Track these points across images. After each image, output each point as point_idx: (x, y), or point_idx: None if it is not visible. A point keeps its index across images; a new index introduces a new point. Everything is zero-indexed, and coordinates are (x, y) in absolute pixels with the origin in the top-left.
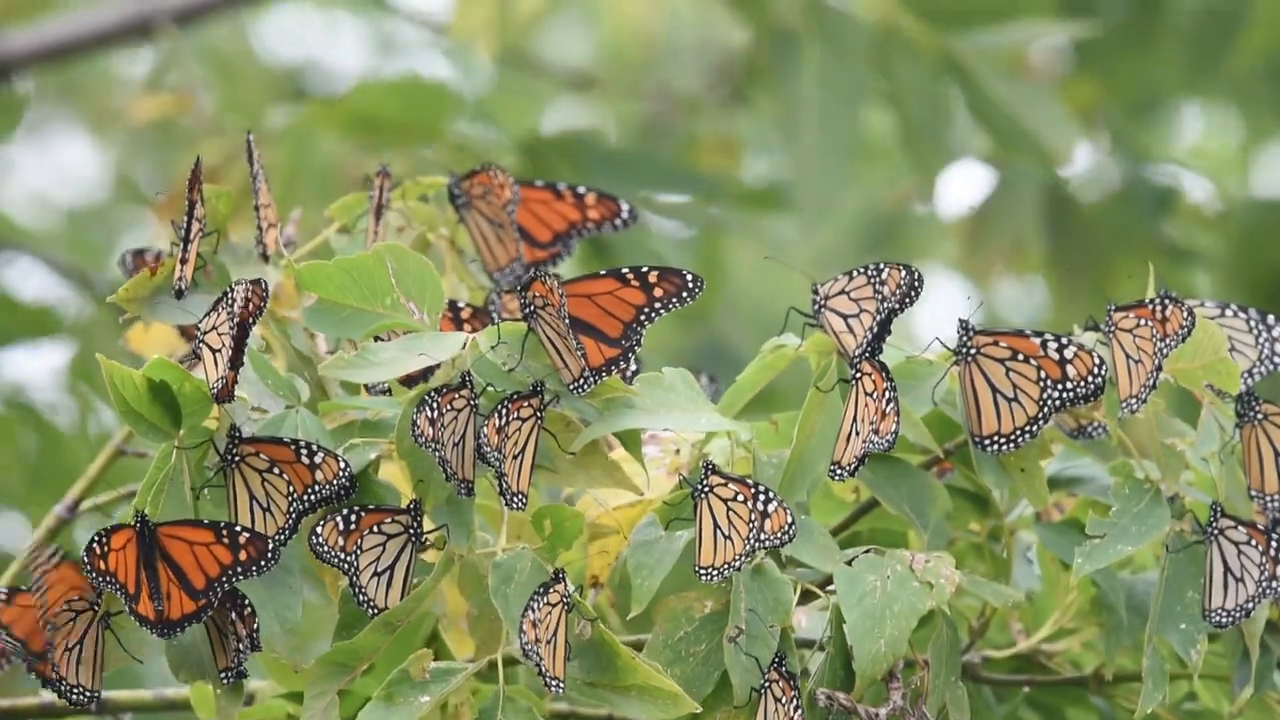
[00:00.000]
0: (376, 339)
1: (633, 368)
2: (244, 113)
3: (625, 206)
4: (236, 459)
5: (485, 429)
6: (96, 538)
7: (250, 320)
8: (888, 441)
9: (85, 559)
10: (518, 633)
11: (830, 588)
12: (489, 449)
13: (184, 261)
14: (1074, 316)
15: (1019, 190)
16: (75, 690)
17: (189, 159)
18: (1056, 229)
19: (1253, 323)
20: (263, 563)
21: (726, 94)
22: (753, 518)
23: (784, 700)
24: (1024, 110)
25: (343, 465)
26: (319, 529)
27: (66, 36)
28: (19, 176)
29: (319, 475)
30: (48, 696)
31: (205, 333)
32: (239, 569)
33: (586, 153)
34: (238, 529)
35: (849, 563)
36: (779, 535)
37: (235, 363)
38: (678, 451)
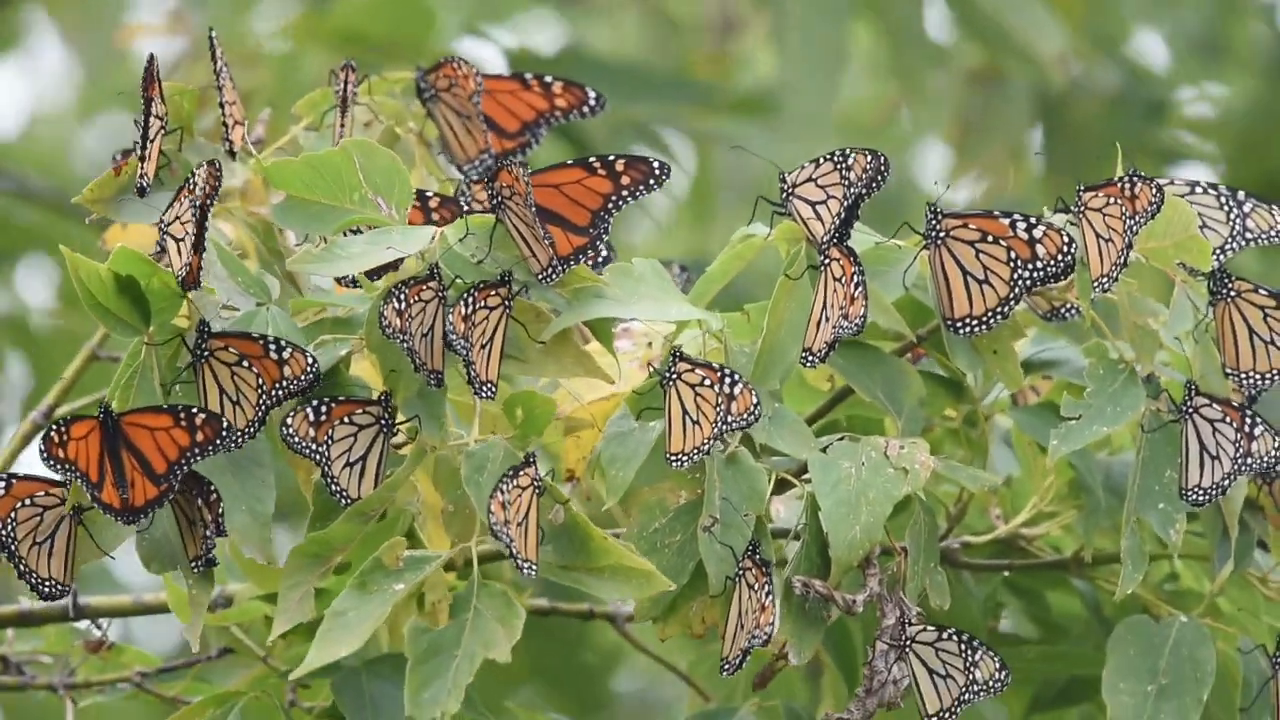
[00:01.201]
0: (345, 234)
1: (604, 254)
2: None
3: (593, 93)
4: (206, 354)
5: (451, 317)
6: (55, 426)
7: (209, 201)
8: (857, 325)
9: (43, 447)
10: (485, 516)
11: (805, 476)
12: (455, 337)
13: (144, 159)
14: None
15: (1009, 98)
16: (47, 583)
17: (179, 74)
18: (1048, 136)
19: (1223, 199)
20: (219, 441)
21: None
22: (719, 401)
23: (757, 587)
24: (1010, 16)
25: (310, 360)
26: (289, 420)
27: None
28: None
29: (287, 370)
30: (25, 604)
31: (168, 224)
32: (197, 450)
33: (578, 65)
34: (194, 410)
35: (824, 450)
36: (745, 416)
37: (198, 246)
38: (650, 344)
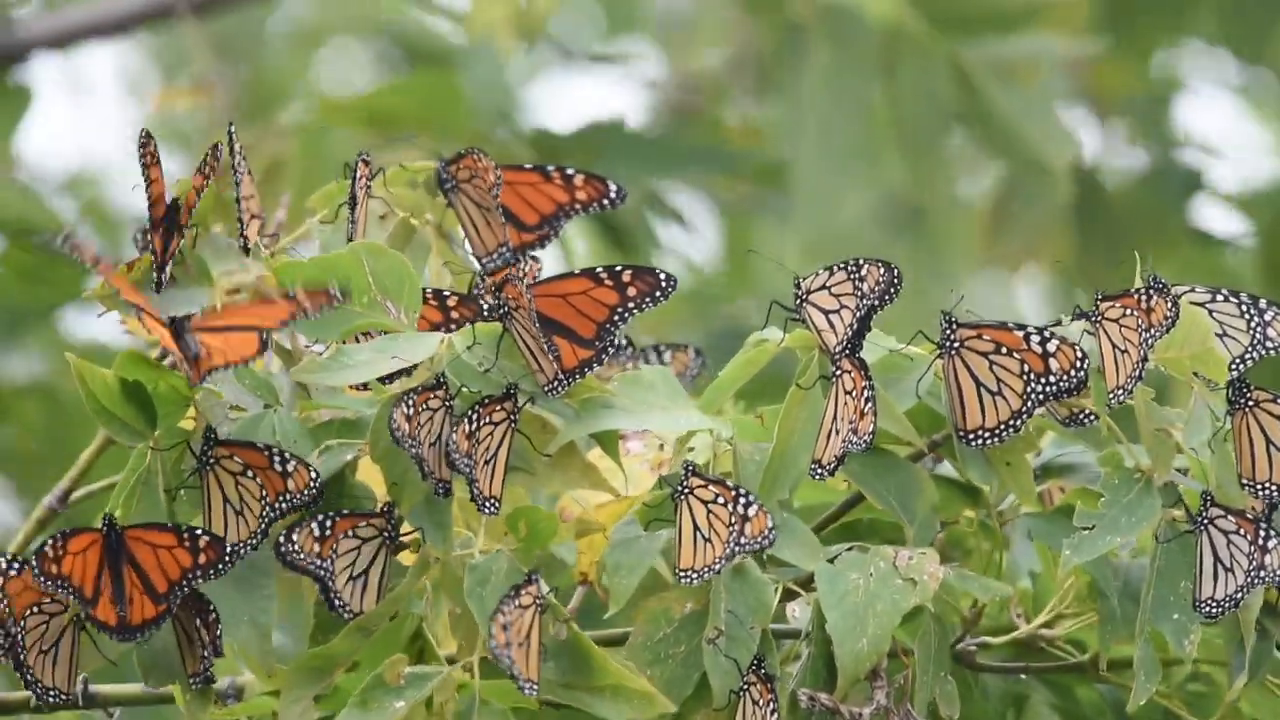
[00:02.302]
0: (356, 338)
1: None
2: (259, 106)
3: (614, 186)
4: (211, 461)
5: (455, 435)
6: (51, 541)
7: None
8: (865, 441)
9: (35, 562)
10: (487, 637)
11: (813, 585)
12: (458, 456)
13: (157, 251)
14: None
15: (1041, 179)
16: (50, 693)
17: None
18: (1081, 217)
19: (1244, 307)
20: (220, 566)
21: (750, 83)
22: (733, 521)
23: (761, 703)
24: (1025, 123)
25: (313, 476)
26: (295, 536)
27: (85, 23)
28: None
29: (290, 484)
30: None
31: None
32: (198, 571)
33: (603, 139)
34: (198, 532)
35: (831, 560)
36: (759, 539)
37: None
38: (661, 447)
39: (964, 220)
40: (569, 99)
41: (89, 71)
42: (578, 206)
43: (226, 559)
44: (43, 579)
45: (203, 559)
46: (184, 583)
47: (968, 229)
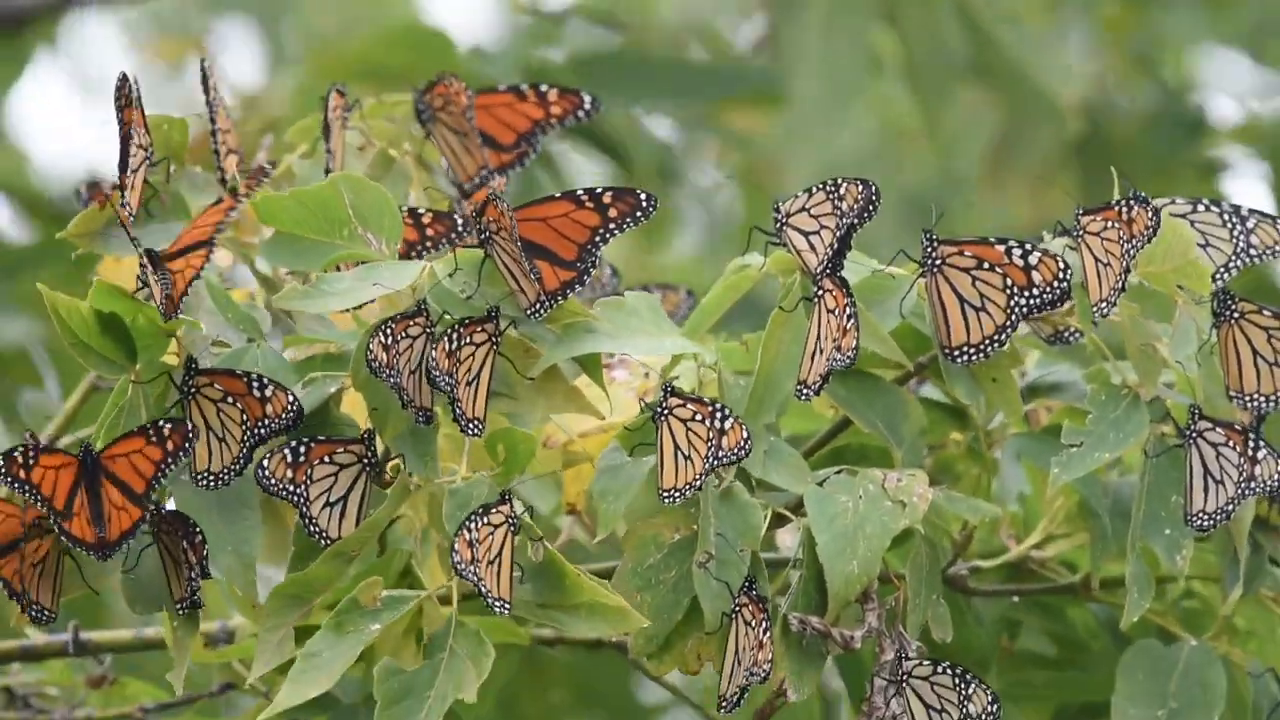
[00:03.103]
0: (336, 268)
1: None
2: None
3: (588, 97)
4: (193, 390)
5: (434, 353)
6: (21, 448)
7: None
8: (849, 358)
9: (2, 465)
10: (450, 553)
11: (802, 510)
12: (439, 374)
13: (123, 190)
14: None
15: (1047, 115)
16: (35, 607)
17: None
18: (1085, 155)
19: (1226, 216)
20: (187, 445)
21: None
22: (711, 436)
23: (754, 624)
24: (1030, 59)
25: (290, 399)
26: (266, 462)
27: None
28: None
29: (269, 409)
30: (28, 640)
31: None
32: (169, 459)
33: (591, 65)
34: (160, 422)
35: (820, 484)
36: (735, 451)
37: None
38: (647, 374)
39: (970, 158)
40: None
41: (90, 36)
42: (553, 121)
43: (191, 439)
44: (8, 480)
45: (170, 445)
46: (159, 474)
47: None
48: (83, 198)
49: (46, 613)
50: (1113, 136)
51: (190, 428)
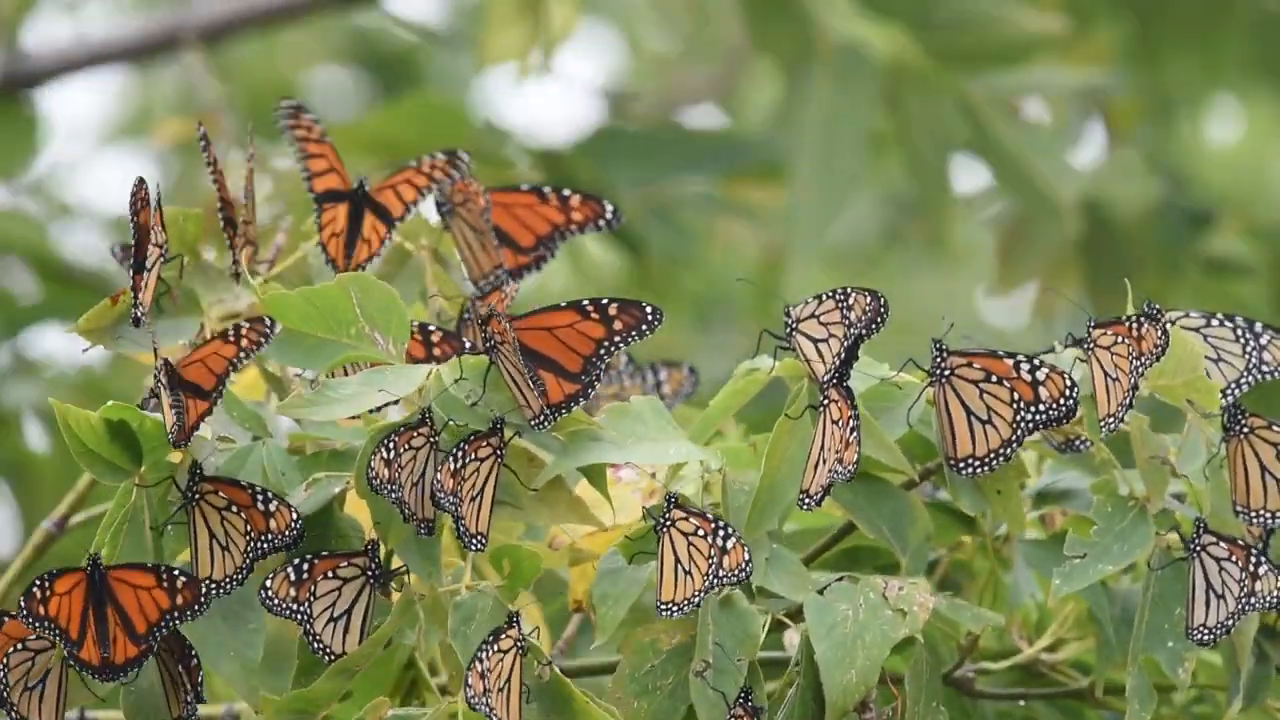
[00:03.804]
0: (343, 370)
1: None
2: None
3: (610, 207)
4: (197, 496)
5: (440, 474)
6: (38, 582)
7: (241, 357)
8: (849, 471)
9: (22, 604)
10: (463, 686)
11: (802, 616)
12: (443, 495)
13: (136, 289)
14: None
15: (1049, 214)
16: None
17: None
18: (1090, 248)
19: (1239, 331)
20: (197, 606)
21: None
22: (712, 553)
23: None
24: (1029, 156)
25: (294, 517)
26: (269, 583)
27: (91, 51)
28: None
29: (272, 524)
30: None
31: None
32: (176, 613)
33: (604, 145)
34: (175, 572)
35: (820, 591)
36: (735, 573)
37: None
38: (653, 475)
39: (975, 250)
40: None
41: (96, 102)
42: (574, 227)
43: (203, 600)
44: (30, 620)
45: (179, 600)
46: (162, 624)
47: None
48: (118, 257)
49: None
50: (1117, 228)
51: (204, 591)
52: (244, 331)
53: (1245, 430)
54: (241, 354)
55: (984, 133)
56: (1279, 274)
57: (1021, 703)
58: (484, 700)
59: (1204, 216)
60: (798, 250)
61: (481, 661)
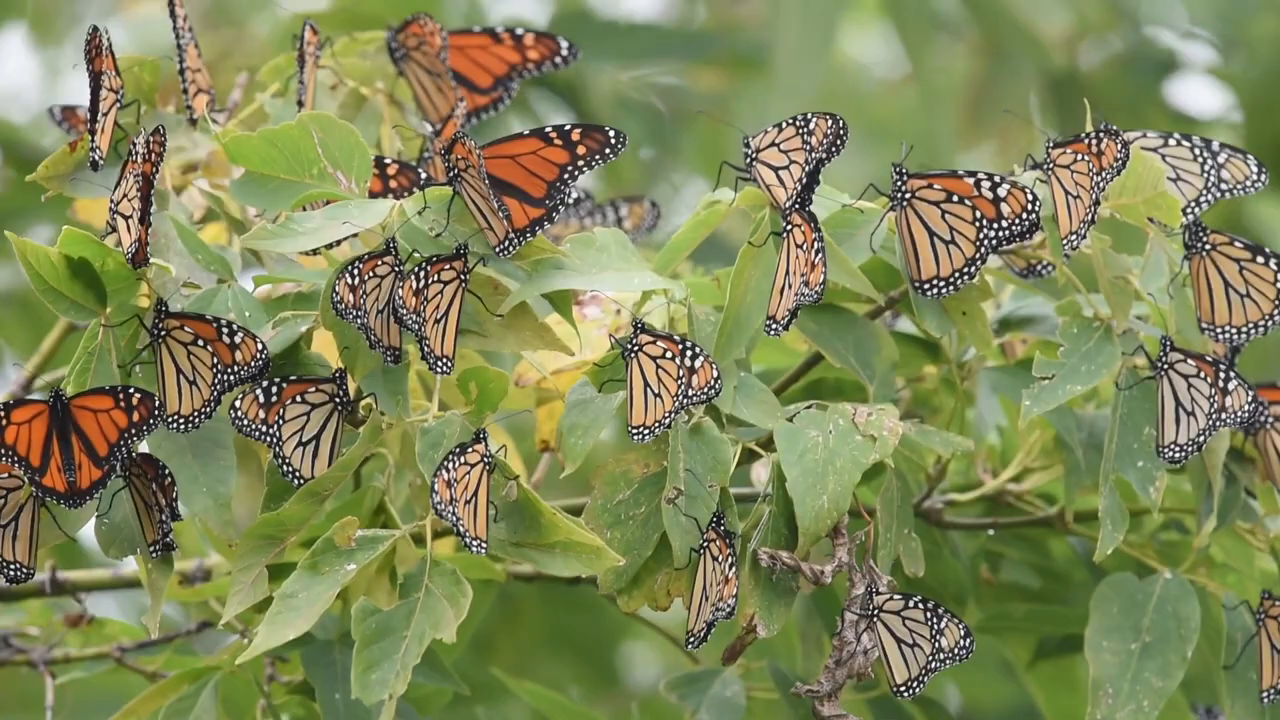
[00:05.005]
0: (305, 208)
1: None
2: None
3: (565, 43)
4: (163, 333)
5: (401, 291)
6: None
7: (153, 171)
8: (817, 293)
9: None
10: (429, 494)
11: (772, 445)
12: (405, 312)
13: (94, 133)
14: None
15: (1016, 66)
16: (12, 566)
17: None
18: (1058, 99)
19: (1197, 150)
20: (153, 420)
21: None
22: (680, 374)
23: (721, 559)
24: None
25: (260, 347)
26: (238, 403)
27: None
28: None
29: (238, 355)
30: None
31: (117, 202)
32: (133, 430)
33: (576, 29)
34: (131, 390)
35: (790, 419)
36: (705, 390)
37: (144, 220)
38: (618, 310)
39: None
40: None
41: None
42: (530, 66)
43: (157, 413)
44: None
45: (136, 416)
46: (122, 442)
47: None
48: (57, 119)
49: (24, 570)
50: (1084, 81)
51: (158, 403)
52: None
53: (1208, 247)
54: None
55: None
56: (1253, 118)
57: (990, 533)
58: (450, 509)
59: (1169, 59)
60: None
61: (448, 470)
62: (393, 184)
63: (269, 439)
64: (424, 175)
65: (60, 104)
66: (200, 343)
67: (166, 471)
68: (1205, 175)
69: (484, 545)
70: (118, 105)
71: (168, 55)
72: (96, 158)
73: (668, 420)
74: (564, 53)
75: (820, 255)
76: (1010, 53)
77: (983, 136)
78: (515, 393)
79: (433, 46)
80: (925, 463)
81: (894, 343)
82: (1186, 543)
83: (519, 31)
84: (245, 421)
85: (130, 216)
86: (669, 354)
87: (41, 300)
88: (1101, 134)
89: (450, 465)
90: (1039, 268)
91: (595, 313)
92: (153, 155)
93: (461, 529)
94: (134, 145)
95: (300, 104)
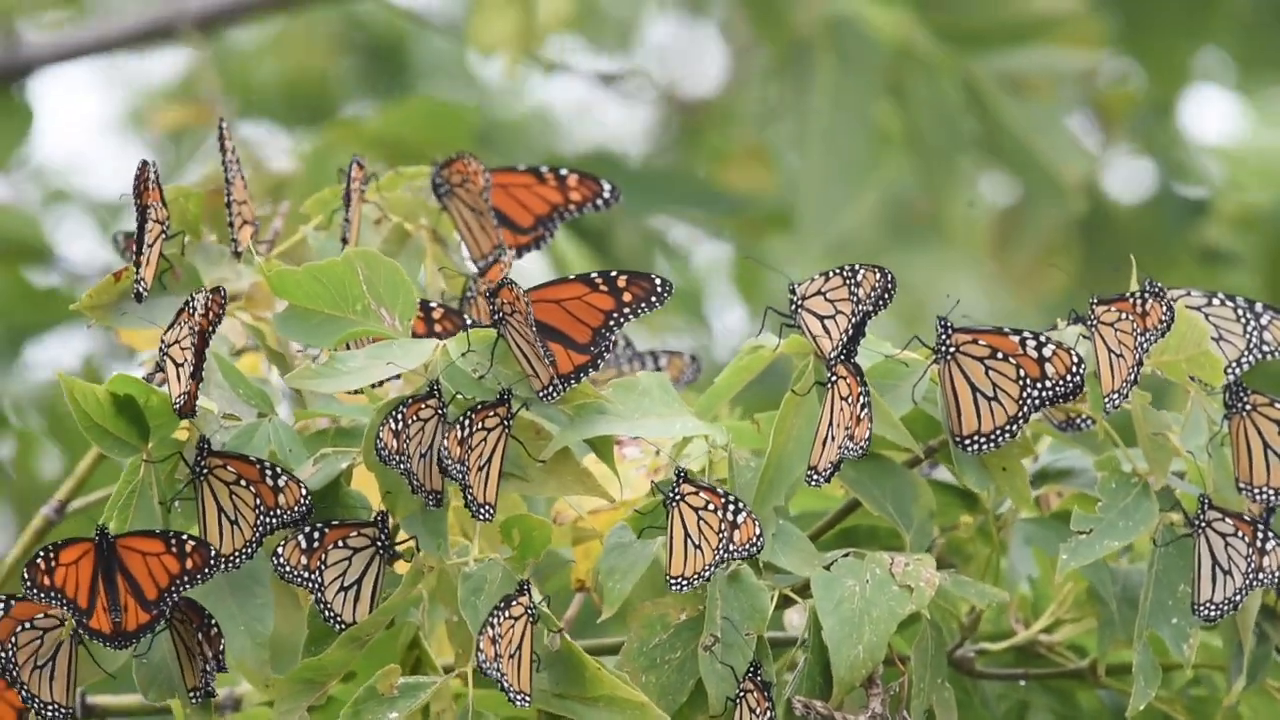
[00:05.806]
0: (348, 345)
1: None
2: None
3: (607, 186)
4: (205, 471)
5: (447, 442)
6: (41, 553)
7: (210, 329)
8: (861, 448)
9: (26, 574)
10: (474, 652)
11: (809, 592)
12: (450, 463)
13: (140, 265)
14: None
15: (1052, 194)
16: (50, 708)
17: (203, 168)
18: (1088, 233)
19: (1240, 311)
20: (207, 570)
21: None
22: (722, 528)
23: (758, 711)
24: (1036, 137)
25: (304, 492)
26: (280, 550)
27: (88, 40)
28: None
29: (282, 499)
30: None
31: (168, 345)
32: (185, 577)
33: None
34: (185, 537)
35: (827, 567)
36: (747, 547)
37: (196, 375)
38: (658, 452)
39: (973, 233)
40: (568, 117)
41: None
42: (572, 207)
43: (212, 563)
44: (35, 591)
45: (189, 564)
46: (173, 589)
47: (977, 242)
48: (119, 246)
49: (62, 711)
50: (1114, 214)
51: (213, 554)
52: None
53: (1248, 407)
54: None
55: (989, 112)
56: (1271, 264)
57: (1022, 683)
58: (495, 665)
59: (1198, 206)
60: (806, 236)
61: (493, 627)
62: (438, 327)
63: (311, 585)
64: (469, 320)
65: (123, 230)
66: (243, 483)
67: (212, 621)
68: (1247, 336)
69: (528, 699)
70: (164, 236)
71: (207, 184)
72: (141, 289)
73: (708, 573)
74: (606, 195)
75: (866, 410)
76: (1035, 195)
77: (1009, 274)
78: (551, 531)
79: (475, 185)
80: (959, 611)
81: (931, 492)
82: (1215, 699)
83: (563, 172)
84: (288, 568)
85: (181, 365)
86: (711, 506)
87: (86, 435)
88: (1146, 294)
89: (495, 621)
90: (1078, 421)
91: (634, 453)
92: (211, 315)
93: (505, 684)
94: (193, 299)
95: (344, 240)
